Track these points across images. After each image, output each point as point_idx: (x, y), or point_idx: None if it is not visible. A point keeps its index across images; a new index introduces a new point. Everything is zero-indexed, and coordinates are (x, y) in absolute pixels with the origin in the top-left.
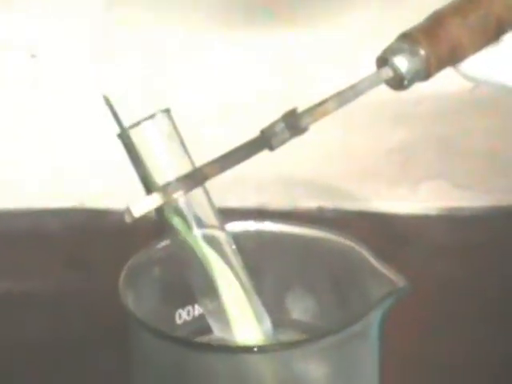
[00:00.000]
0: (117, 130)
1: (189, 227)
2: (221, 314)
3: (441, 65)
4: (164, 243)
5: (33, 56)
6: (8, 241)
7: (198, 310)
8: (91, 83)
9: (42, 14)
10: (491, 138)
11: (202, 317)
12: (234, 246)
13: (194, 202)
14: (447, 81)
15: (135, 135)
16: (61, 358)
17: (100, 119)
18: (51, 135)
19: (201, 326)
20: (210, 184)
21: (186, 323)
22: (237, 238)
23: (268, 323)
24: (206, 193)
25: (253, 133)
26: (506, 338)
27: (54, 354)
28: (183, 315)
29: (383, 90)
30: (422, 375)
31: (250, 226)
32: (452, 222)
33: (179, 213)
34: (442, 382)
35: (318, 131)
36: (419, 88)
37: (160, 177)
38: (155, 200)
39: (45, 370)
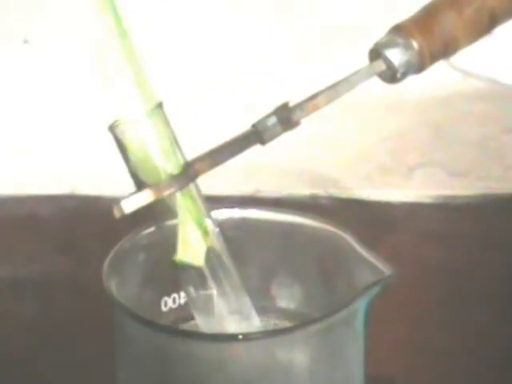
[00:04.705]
0: (108, 120)
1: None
2: (206, 304)
3: (434, 58)
4: (150, 229)
5: (25, 42)
6: (0, 227)
7: (183, 297)
8: (85, 71)
9: None
10: (484, 124)
11: (187, 305)
12: (219, 233)
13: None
14: (439, 68)
15: (126, 130)
16: (52, 339)
17: (93, 107)
18: (45, 124)
19: (186, 314)
20: None
21: (171, 311)
22: (221, 225)
23: (256, 319)
24: (196, 184)
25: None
26: (493, 323)
27: (46, 336)
28: (169, 303)
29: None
30: (410, 359)
31: (235, 213)
32: (445, 209)
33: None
34: (430, 366)
35: (310, 118)
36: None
37: (150, 173)
38: (147, 197)
39: (38, 351)
